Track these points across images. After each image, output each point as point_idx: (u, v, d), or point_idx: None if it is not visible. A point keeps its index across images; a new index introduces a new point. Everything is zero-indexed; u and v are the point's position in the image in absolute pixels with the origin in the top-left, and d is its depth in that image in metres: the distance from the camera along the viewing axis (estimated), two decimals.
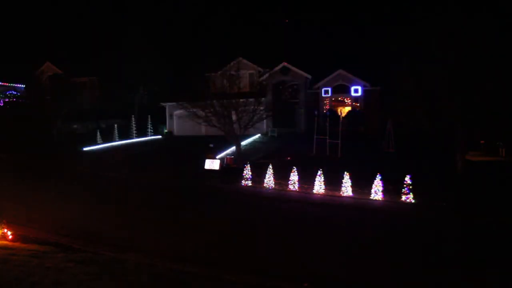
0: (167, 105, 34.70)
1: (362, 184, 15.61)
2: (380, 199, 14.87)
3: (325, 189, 16.13)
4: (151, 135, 34.16)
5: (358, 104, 33.63)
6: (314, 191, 16.10)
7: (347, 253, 9.45)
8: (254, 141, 28.09)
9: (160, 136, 34.50)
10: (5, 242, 9.10)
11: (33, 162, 23.59)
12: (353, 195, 15.46)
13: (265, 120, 28.02)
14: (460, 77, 16.70)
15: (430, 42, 17.31)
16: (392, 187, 15.20)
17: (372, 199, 14.93)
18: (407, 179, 14.75)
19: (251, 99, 23.40)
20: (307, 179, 16.63)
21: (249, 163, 18.16)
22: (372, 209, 13.89)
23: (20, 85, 41.13)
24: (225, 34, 40.84)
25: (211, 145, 24.11)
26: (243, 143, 25.15)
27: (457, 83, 16.80)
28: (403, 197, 14.60)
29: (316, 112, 26.56)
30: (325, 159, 22.00)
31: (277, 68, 32.75)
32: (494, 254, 9.42)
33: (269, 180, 17.24)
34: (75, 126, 36.77)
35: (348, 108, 33.71)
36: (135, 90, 37.45)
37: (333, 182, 16.20)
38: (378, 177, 15.14)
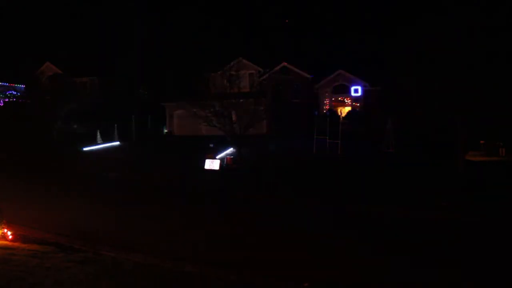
0: (167, 105, 34.72)
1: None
2: None
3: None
4: (151, 135, 34.19)
5: (358, 104, 33.67)
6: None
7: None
8: (254, 141, 28.08)
9: (160, 136, 34.53)
10: (5, 242, 9.09)
11: (33, 162, 23.59)
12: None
13: (265, 120, 28.04)
14: (460, 78, 16.70)
15: (429, 42, 17.31)
16: None
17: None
18: None
19: (251, 99, 23.41)
20: (306, 179, 16.67)
21: (249, 163, 18.17)
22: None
23: (20, 85, 41.13)
24: (225, 34, 40.85)
25: (211, 145, 24.14)
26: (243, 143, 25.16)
27: (457, 83, 16.80)
28: None
29: (316, 112, 26.60)
30: (325, 159, 22.05)
31: (277, 68, 32.77)
32: None
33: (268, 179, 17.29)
34: (75, 126, 36.78)
35: (348, 108, 33.75)
36: (135, 90, 37.49)
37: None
38: None
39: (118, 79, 36.62)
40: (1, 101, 38.13)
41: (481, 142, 23.28)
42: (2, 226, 9.49)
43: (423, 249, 9.76)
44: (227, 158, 20.54)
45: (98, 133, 31.59)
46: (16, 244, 9.06)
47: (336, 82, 34.56)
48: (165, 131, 35.62)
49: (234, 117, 22.21)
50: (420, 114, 18.72)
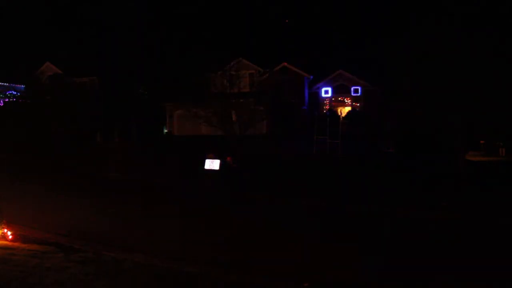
0: (167, 105, 34.72)
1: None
2: None
3: None
4: (151, 135, 34.20)
5: (358, 104, 33.70)
6: None
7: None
8: (254, 141, 28.08)
9: (160, 136, 34.53)
10: (5, 242, 9.09)
11: (33, 162, 23.61)
12: None
13: (265, 120, 28.04)
14: (460, 78, 16.69)
15: (429, 43, 17.29)
16: None
17: None
18: None
19: (251, 99, 23.43)
20: (307, 179, 16.69)
21: (249, 163, 18.18)
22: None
23: (20, 85, 41.13)
24: (226, 34, 40.83)
25: (211, 145, 24.15)
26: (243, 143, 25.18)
27: (457, 83, 16.79)
28: None
29: (316, 112, 26.61)
30: (325, 159, 22.07)
31: (277, 68, 32.74)
32: None
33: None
34: (75, 126, 36.73)
35: (348, 108, 33.77)
36: (135, 90, 37.45)
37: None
38: None
39: (118, 79, 36.56)
40: (1, 101, 38.12)
41: (481, 142, 23.30)
42: (2, 226, 9.49)
43: (423, 249, 9.77)
44: (227, 158, 20.51)
45: (98, 133, 31.62)
46: (16, 244, 9.06)
47: (336, 82, 34.61)
48: (165, 131, 35.63)
49: (234, 117, 22.22)
50: (420, 114, 18.72)
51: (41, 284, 6.58)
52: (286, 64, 33.51)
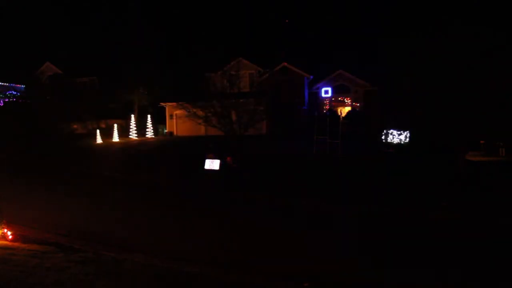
0: (167, 105, 34.74)
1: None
2: None
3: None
4: (151, 135, 34.20)
5: (358, 104, 33.68)
6: None
7: None
8: (254, 141, 28.10)
9: (160, 136, 34.54)
10: (5, 242, 9.09)
11: (33, 162, 23.60)
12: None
13: (265, 120, 28.05)
14: (460, 78, 16.68)
15: (429, 44, 17.27)
16: None
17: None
18: None
19: (251, 99, 23.42)
20: (307, 179, 16.68)
21: (249, 163, 18.17)
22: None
23: (20, 85, 41.14)
24: (225, 34, 40.86)
25: (211, 145, 24.15)
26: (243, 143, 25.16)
27: (457, 83, 16.79)
28: None
29: (316, 112, 26.59)
30: (325, 159, 22.06)
31: (277, 68, 32.74)
32: None
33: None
34: (75, 126, 36.79)
35: (348, 108, 33.77)
36: (135, 90, 37.46)
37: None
38: None
39: (118, 79, 36.60)
40: (1, 101, 38.13)
41: (481, 142, 23.28)
42: (2, 226, 9.49)
43: (423, 249, 9.77)
44: (227, 158, 20.50)
45: (98, 133, 31.61)
46: (16, 244, 9.06)
47: (336, 82, 34.63)
48: (165, 131, 35.64)
49: (234, 117, 22.20)
50: (420, 114, 18.71)
51: (41, 284, 6.58)
52: (286, 64, 33.53)
